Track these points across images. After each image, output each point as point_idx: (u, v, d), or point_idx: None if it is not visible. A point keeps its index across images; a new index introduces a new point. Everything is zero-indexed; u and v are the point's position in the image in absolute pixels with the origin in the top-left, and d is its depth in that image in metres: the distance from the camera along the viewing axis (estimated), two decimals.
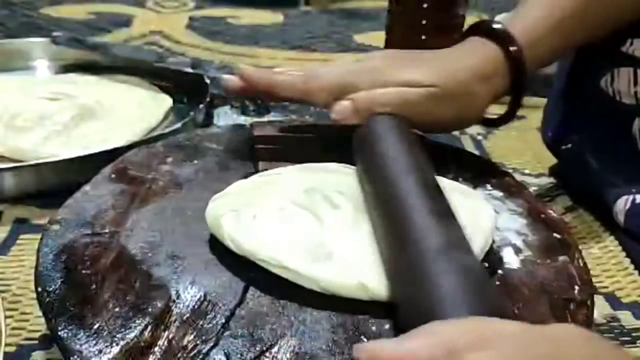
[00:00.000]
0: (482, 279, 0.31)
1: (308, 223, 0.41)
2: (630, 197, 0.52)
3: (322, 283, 0.37)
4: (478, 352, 0.22)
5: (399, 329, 0.29)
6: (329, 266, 0.38)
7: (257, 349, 0.34)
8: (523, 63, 0.48)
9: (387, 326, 0.36)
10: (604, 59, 0.55)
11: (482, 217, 0.43)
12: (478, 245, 0.40)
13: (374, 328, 0.36)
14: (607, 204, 0.55)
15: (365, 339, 0.35)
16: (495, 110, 0.79)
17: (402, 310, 0.32)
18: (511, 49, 0.48)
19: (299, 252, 0.38)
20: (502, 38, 0.49)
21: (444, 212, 0.37)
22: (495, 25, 0.49)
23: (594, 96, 0.55)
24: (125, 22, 1.09)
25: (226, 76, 0.52)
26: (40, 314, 0.37)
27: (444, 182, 0.47)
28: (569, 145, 0.59)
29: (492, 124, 0.55)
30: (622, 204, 0.53)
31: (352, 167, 0.48)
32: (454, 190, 0.45)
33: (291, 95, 0.51)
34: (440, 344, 0.23)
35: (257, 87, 0.51)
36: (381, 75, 0.49)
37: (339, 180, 0.46)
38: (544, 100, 0.66)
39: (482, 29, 0.50)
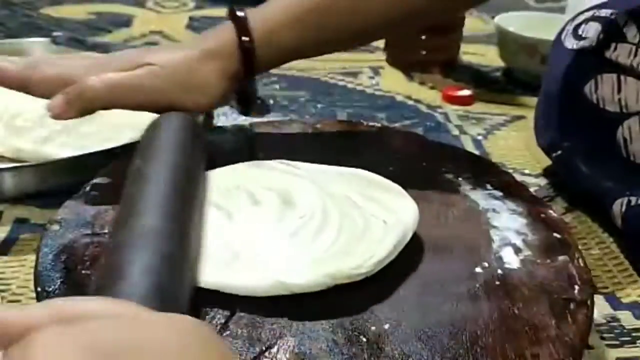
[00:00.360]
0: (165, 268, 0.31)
1: (218, 223, 0.41)
2: (625, 200, 0.52)
3: (228, 290, 0.37)
4: (59, 327, 0.22)
5: None
6: (236, 269, 0.38)
7: (257, 349, 0.34)
8: (251, 51, 0.50)
9: (386, 326, 0.36)
10: (587, 65, 0.55)
11: (403, 211, 0.43)
12: (394, 237, 0.40)
13: (373, 328, 0.36)
14: (604, 207, 0.55)
15: (364, 339, 0.35)
16: (493, 110, 0.80)
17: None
18: (243, 38, 0.50)
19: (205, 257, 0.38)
20: (239, 25, 0.50)
21: (172, 210, 0.35)
22: (238, 12, 0.51)
23: (579, 103, 0.55)
24: (125, 22, 1.09)
25: None
26: None
27: (369, 176, 0.48)
28: (560, 152, 0.59)
29: (240, 110, 0.57)
30: (618, 207, 0.53)
31: (303, 164, 0.49)
32: (376, 186, 0.46)
33: (8, 85, 0.49)
34: (47, 314, 0.23)
35: None
36: (102, 67, 0.48)
37: (277, 177, 0.47)
38: None
39: (231, 15, 0.51)
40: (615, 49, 0.52)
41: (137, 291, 0.28)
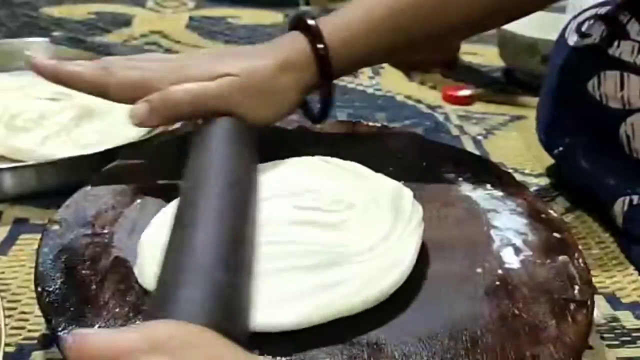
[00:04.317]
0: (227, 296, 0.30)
1: None
2: (627, 199, 0.52)
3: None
4: (155, 356, 0.23)
5: None
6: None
7: (257, 350, 0.34)
8: (327, 59, 0.49)
9: (386, 326, 0.36)
10: (591, 62, 0.55)
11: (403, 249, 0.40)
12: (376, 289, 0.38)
13: (373, 328, 0.36)
14: (605, 205, 0.55)
15: (364, 339, 0.35)
16: (493, 110, 0.80)
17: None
18: (318, 45, 0.49)
19: None
20: (312, 33, 0.50)
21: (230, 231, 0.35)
22: (309, 21, 0.50)
23: (582, 99, 0.55)
24: (125, 22, 1.09)
25: (30, 60, 0.49)
26: (40, 313, 0.37)
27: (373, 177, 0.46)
28: (561, 149, 0.59)
29: (313, 118, 0.56)
30: (619, 207, 0.53)
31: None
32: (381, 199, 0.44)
33: (88, 90, 0.49)
34: (138, 339, 0.23)
35: (48, 79, 0.49)
36: (180, 71, 0.48)
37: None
38: None
39: (299, 24, 0.51)
40: (619, 46, 0.52)
41: (205, 315, 0.28)
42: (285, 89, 0.49)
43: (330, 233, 0.40)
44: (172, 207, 0.44)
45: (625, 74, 0.52)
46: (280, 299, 0.35)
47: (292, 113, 0.52)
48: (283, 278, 0.36)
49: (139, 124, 0.48)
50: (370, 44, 0.51)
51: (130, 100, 0.48)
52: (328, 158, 0.49)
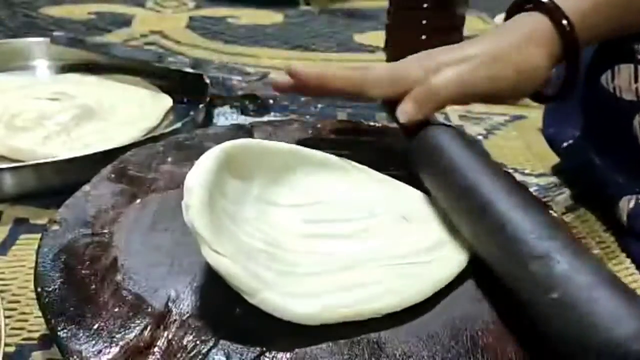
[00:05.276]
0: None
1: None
2: (634, 197, 0.52)
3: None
4: None
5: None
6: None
7: (257, 349, 0.34)
8: (574, 34, 0.48)
9: (387, 325, 0.36)
10: (604, 55, 0.55)
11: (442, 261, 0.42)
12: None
13: (373, 328, 0.36)
14: (610, 202, 0.55)
15: (365, 339, 0.35)
16: (493, 110, 0.80)
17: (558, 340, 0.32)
18: (563, 22, 0.48)
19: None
20: (551, 10, 0.49)
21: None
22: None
23: (594, 92, 0.55)
24: (125, 22, 1.09)
25: (274, 75, 0.52)
26: (40, 314, 0.37)
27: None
28: (570, 142, 0.59)
29: (544, 99, 0.55)
30: (625, 204, 0.53)
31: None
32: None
33: (346, 89, 0.51)
34: None
35: (308, 82, 0.51)
36: (431, 59, 0.49)
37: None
38: None
39: (529, 4, 0.50)
40: (633, 39, 0.52)
41: None
42: (538, 61, 0.48)
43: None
44: (219, 148, 0.43)
45: (639, 67, 0.52)
46: (309, 294, 0.37)
47: (542, 87, 0.51)
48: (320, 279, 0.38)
49: (409, 121, 0.49)
50: (599, 25, 0.49)
51: (386, 93, 0.50)
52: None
